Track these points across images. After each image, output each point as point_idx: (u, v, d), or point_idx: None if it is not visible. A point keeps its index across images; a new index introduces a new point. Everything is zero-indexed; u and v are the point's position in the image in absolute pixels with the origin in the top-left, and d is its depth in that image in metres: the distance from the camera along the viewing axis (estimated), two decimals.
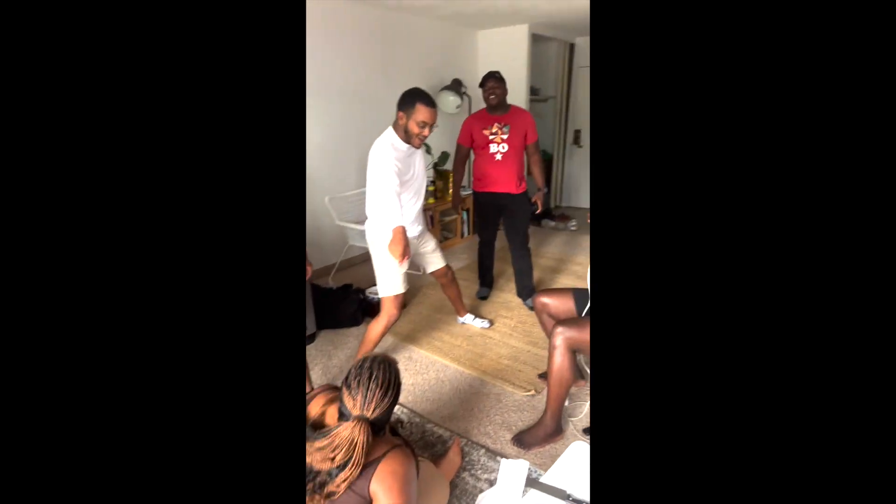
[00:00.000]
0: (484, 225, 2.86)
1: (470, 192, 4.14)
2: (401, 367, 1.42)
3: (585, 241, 4.15)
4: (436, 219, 3.88)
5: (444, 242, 4.05)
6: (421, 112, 1.85)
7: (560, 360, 1.59)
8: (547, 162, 5.20)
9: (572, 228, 4.59)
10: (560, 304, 1.82)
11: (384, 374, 1.07)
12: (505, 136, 2.58)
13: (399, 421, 1.83)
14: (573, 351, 1.60)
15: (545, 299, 1.85)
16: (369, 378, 1.05)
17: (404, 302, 2.58)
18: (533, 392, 2.01)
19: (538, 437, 1.70)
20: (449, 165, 4.06)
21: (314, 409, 1.17)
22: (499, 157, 2.61)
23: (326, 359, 2.33)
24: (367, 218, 2.07)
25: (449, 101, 3.88)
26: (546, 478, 1.39)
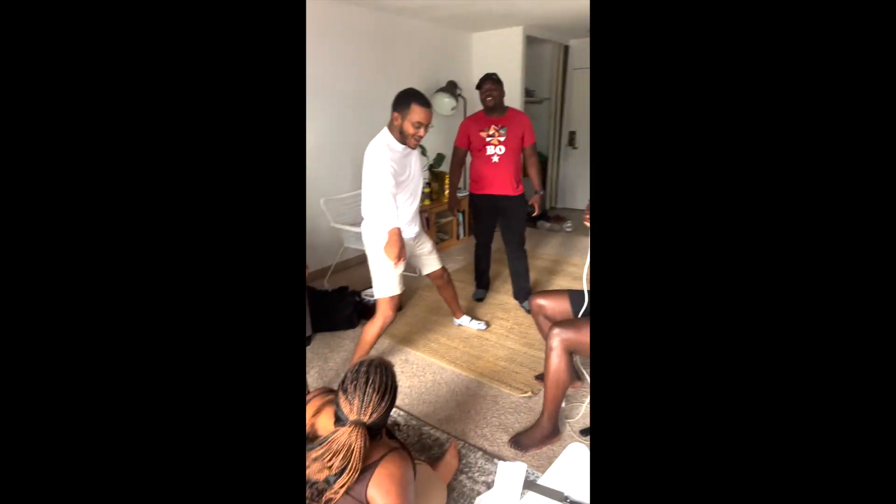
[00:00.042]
0: (480, 227, 2.86)
1: (466, 193, 4.16)
2: (397, 369, 1.41)
3: (581, 243, 4.16)
4: (431, 220, 3.88)
5: (439, 244, 4.04)
6: (416, 112, 1.85)
7: (557, 361, 1.59)
8: (542, 163, 5.21)
9: (567, 230, 4.60)
10: (556, 306, 1.82)
11: (381, 377, 1.06)
12: (502, 139, 2.58)
13: (396, 424, 1.82)
14: (570, 352, 1.60)
15: (541, 301, 1.85)
16: (366, 382, 1.04)
17: (400, 304, 2.58)
18: (530, 394, 2.01)
19: (535, 438, 1.69)
20: (445, 167, 4.06)
21: (307, 413, 1.16)
22: (496, 159, 2.61)
23: (322, 362, 2.31)
24: (362, 220, 2.06)
25: (444, 103, 3.88)
26: (543, 480, 1.38)
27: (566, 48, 4.92)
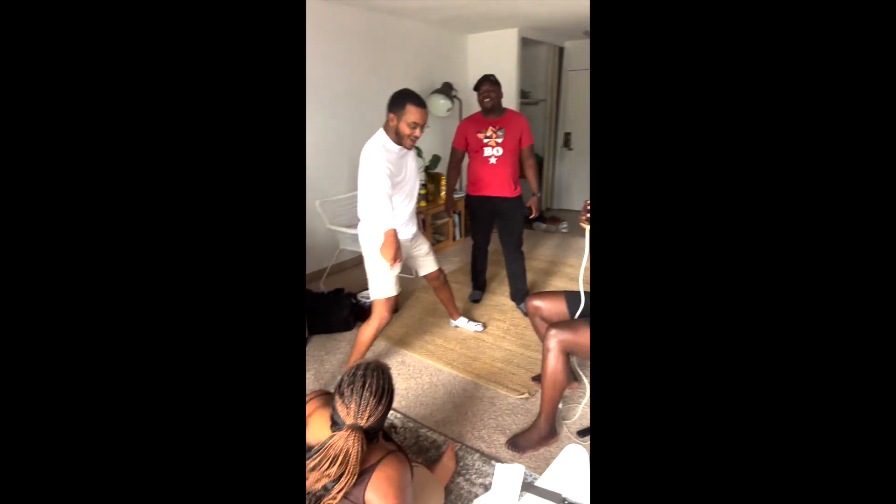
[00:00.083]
0: (477, 229, 2.85)
1: (461, 195, 4.16)
2: (394, 371, 1.40)
3: (577, 243, 4.16)
4: (427, 222, 3.88)
5: (435, 245, 4.04)
6: (411, 113, 1.84)
7: (554, 362, 1.59)
8: (538, 165, 5.22)
9: (563, 230, 4.60)
10: (552, 307, 1.82)
11: (377, 381, 1.06)
12: (499, 140, 2.57)
13: (392, 426, 1.81)
14: (567, 353, 1.60)
15: (537, 302, 1.85)
16: (362, 386, 1.03)
17: (396, 306, 2.57)
18: (527, 395, 2.00)
19: (532, 440, 1.69)
20: (440, 168, 4.06)
21: None
22: (493, 160, 2.60)
23: (318, 364, 2.30)
24: (358, 221, 2.05)
25: (440, 105, 3.88)
26: (541, 481, 1.38)
27: (561, 50, 4.93)
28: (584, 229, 1.60)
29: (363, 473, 0.99)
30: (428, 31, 3.98)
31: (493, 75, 2.58)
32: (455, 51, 4.35)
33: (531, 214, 2.72)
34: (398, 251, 1.87)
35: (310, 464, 0.97)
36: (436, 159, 4.04)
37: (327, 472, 0.95)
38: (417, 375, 2.20)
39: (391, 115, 1.88)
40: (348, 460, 0.96)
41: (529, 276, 3.00)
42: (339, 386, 1.06)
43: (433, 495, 1.36)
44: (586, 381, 2.01)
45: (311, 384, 2.13)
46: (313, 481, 0.96)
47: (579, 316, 1.72)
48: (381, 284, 2.01)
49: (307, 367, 2.26)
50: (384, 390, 1.06)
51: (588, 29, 4.26)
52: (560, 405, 1.76)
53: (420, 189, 3.50)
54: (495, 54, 4.28)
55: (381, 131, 1.94)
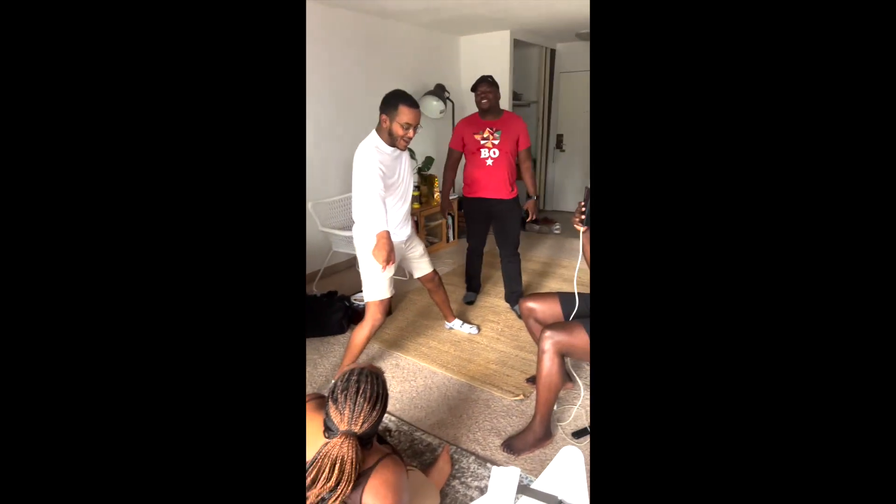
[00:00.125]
0: (473, 231, 2.84)
1: (455, 196, 4.16)
2: (388, 374, 1.40)
3: (570, 244, 4.17)
4: (421, 224, 3.87)
5: (429, 247, 4.02)
6: (404, 114, 1.84)
7: (549, 364, 1.58)
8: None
9: (556, 232, 4.61)
10: (547, 309, 1.81)
11: (371, 386, 1.04)
12: (496, 142, 2.56)
13: (387, 429, 1.80)
14: (562, 355, 1.60)
15: (531, 304, 1.85)
16: (356, 392, 1.02)
17: (390, 308, 2.55)
18: (521, 397, 2.00)
19: (528, 442, 1.68)
20: (433, 170, 4.05)
21: None
22: (489, 162, 2.60)
23: (312, 367, 2.28)
24: (352, 223, 2.03)
25: (432, 106, 3.88)
26: (537, 484, 1.37)
27: (553, 52, 4.96)
28: (577, 231, 1.60)
29: (359, 477, 0.98)
30: (420, 33, 3.98)
31: (490, 76, 2.57)
32: (447, 53, 4.36)
33: (529, 217, 2.71)
34: (391, 253, 1.86)
35: (307, 479, 0.96)
36: (429, 161, 4.03)
37: (325, 486, 0.94)
38: (411, 378, 2.19)
39: (384, 117, 1.87)
40: (344, 468, 0.95)
41: (524, 278, 2.99)
42: (333, 392, 1.05)
43: (429, 499, 1.35)
44: (580, 382, 2.01)
45: (305, 388, 2.11)
46: (314, 497, 0.95)
47: (574, 317, 1.71)
48: (374, 287, 1.99)
49: None
50: (378, 396, 1.05)
51: (580, 31, 4.29)
52: (555, 407, 1.75)
53: (413, 191, 3.49)
54: (488, 56, 4.29)
55: (374, 133, 1.93)
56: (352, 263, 3.53)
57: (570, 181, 5.39)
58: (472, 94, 2.61)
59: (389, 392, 1.14)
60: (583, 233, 1.62)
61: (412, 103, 1.86)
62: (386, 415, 1.77)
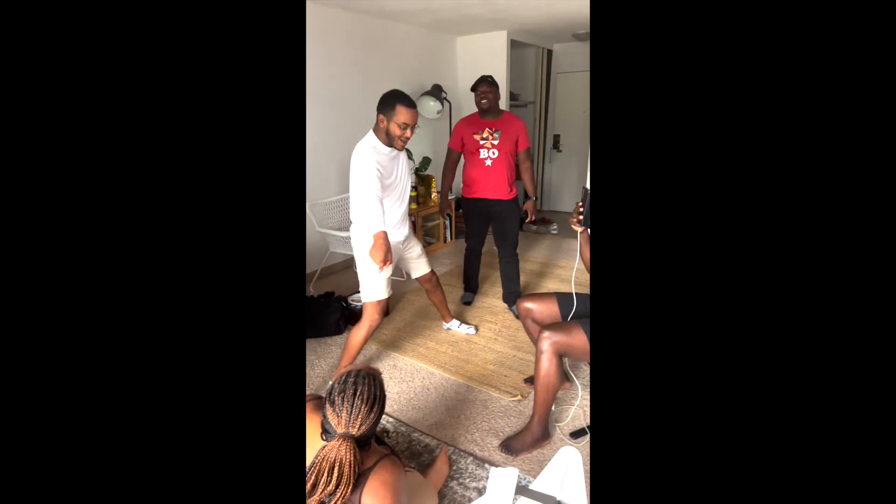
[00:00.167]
0: (472, 231, 2.83)
1: (453, 197, 4.15)
2: (385, 375, 1.39)
3: (568, 245, 4.18)
4: (418, 224, 3.86)
5: (426, 248, 4.02)
6: (401, 113, 1.83)
7: (547, 365, 1.58)
8: None
9: (553, 232, 4.62)
10: (544, 309, 1.81)
11: (369, 388, 1.04)
12: (496, 142, 2.55)
13: (385, 430, 1.79)
14: (560, 355, 1.59)
15: (529, 304, 1.85)
16: (354, 394, 1.02)
17: (388, 308, 2.54)
18: (519, 397, 2.00)
19: (526, 442, 1.68)
20: (431, 170, 4.05)
21: None
22: (489, 162, 2.59)
23: (309, 368, 2.27)
24: (349, 224, 2.03)
25: (429, 107, 3.87)
26: (535, 484, 1.37)
27: (550, 52, 4.96)
28: (574, 231, 1.60)
29: (358, 478, 0.98)
30: (417, 33, 3.98)
31: (490, 76, 2.55)
32: (444, 53, 4.35)
33: (528, 218, 2.70)
34: (388, 253, 1.86)
35: (307, 484, 0.96)
36: (426, 161, 4.03)
37: (325, 490, 0.94)
38: (409, 379, 2.18)
39: (381, 117, 1.87)
40: (343, 471, 0.95)
41: (521, 278, 2.99)
42: (330, 394, 1.04)
43: (427, 500, 1.34)
44: (578, 383, 2.01)
45: None
46: (315, 502, 0.95)
47: (572, 318, 1.71)
48: (372, 287, 1.99)
49: None
50: (376, 398, 1.05)
51: (577, 32, 4.29)
52: (553, 407, 1.75)
53: (411, 191, 3.48)
54: (485, 56, 4.29)
55: (372, 133, 1.92)
56: (349, 264, 3.52)
57: (567, 181, 5.40)
58: (471, 94, 2.61)
59: (387, 393, 1.13)
60: (580, 233, 1.62)
61: (409, 103, 1.85)
62: (384, 416, 1.77)
